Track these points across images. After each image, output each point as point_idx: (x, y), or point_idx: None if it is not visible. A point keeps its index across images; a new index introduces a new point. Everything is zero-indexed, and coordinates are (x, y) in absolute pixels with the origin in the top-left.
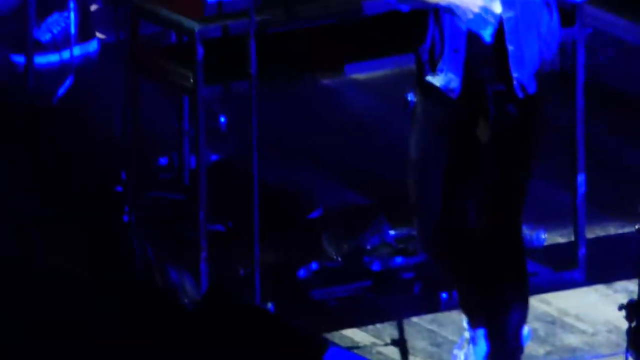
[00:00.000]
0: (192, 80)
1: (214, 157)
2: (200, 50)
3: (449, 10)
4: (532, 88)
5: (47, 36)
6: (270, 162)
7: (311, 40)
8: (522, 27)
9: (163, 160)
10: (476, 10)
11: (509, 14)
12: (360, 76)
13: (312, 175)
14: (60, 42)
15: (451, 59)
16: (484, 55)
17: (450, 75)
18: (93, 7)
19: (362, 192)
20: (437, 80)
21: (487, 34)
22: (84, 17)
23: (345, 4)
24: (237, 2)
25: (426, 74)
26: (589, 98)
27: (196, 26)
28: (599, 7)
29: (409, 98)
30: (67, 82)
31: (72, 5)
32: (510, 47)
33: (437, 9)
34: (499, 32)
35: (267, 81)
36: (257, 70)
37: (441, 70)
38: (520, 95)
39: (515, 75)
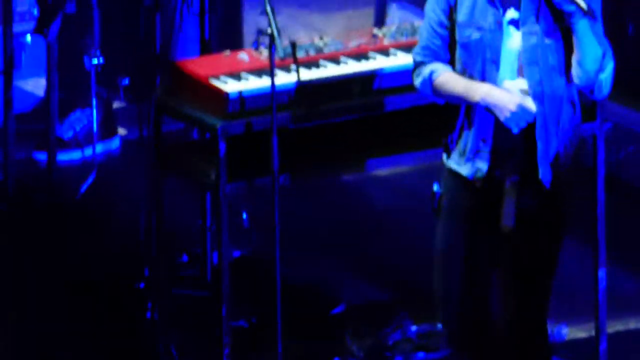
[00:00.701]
0: (214, 177)
1: (236, 253)
2: (222, 147)
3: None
4: (555, 181)
5: (69, 133)
6: (292, 258)
7: (333, 136)
8: (550, 122)
9: (185, 257)
10: (513, 108)
11: (539, 110)
12: (381, 172)
13: (335, 271)
14: (83, 139)
15: (476, 149)
16: (511, 147)
17: (477, 165)
18: (115, 104)
19: (384, 288)
20: (464, 169)
21: (513, 125)
22: (106, 114)
23: (366, 100)
24: (260, 99)
25: (453, 163)
26: (609, 192)
27: (218, 123)
28: (619, 102)
29: (435, 189)
30: (90, 179)
31: (94, 102)
32: (538, 142)
33: None
34: (528, 125)
35: (290, 177)
36: (280, 167)
37: (468, 160)
38: (545, 187)
39: (541, 168)
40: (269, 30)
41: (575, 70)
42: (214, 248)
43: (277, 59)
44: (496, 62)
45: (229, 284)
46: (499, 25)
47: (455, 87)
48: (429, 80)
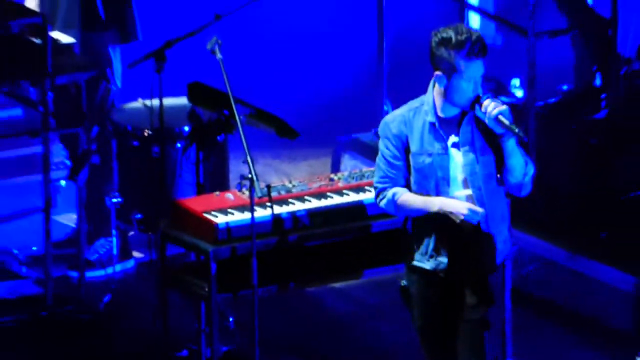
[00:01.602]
0: (207, 290)
1: (224, 349)
2: (213, 267)
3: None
4: (499, 265)
5: (94, 256)
6: (269, 354)
7: (302, 257)
8: (492, 219)
9: (186, 352)
10: (465, 212)
11: (484, 210)
12: (338, 284)
13: None
14: (105, 261)
15: (437, 248)
16: (464, 243)
17: (439, 259)
18: (130, 234)
19: None
20: (427, 265)
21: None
22: (123, 241)
23: (326, 229)
24: (243, 229)
25: (417, 262)
26: (514, 303)
27: (210, 248)
28: (523, 231)
29: (403, 283)
30: (109, 294)
31: (114, 232)
32: (485, 234)
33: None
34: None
35: (267, 290)
36: (259, 281)
37: (431, 257)
38: (492, 268)
39: (490, 256)
40: (249, 176)
41: (506, 176)
42: (207, 345)
43: (255, 198)
44: (446, 179)
45: None
46: (444, 149)
47: (415, 203)
48: (393, 201)
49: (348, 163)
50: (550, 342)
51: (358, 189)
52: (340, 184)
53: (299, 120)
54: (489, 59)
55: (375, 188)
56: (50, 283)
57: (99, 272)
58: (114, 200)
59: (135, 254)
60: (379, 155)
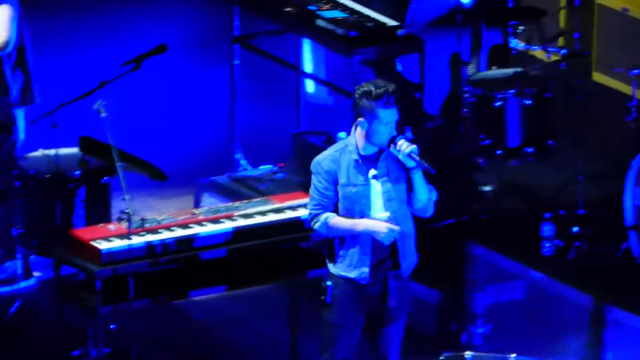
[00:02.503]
0: (94, 303)
1: (107, 350)
2: (98, 284)
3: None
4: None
5: (3, 276)
6: (143, 355)
7: (169, 276)
8: (405, 237)
9: (77, 352)
10: (385, 231)
11: (398, 229)
12: (200, 298)
13: None
14: (12, 279)
15: (361, 260)
16: (383, 257)
17: (362, 270)
18: (32, 258)
19: None
20: (352, 274)
21: (386, 240)
22: (26, 263)
23: (189, 254)
24: (122, 253)
25: (342, 271)
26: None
27: (96, 269)
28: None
29: (328, 284)
30: (16, 305)
31: (19, 256)
32: (400, 249)
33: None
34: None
35: (142, 302)
36: (135, 296)
37: (355, 267)
38: (405, 275)
39: (402, 266)
40: (127, 210)
41: (414, 201)
42: (94, 347)
43: (132, 229)
44: (368, 204)
45: None
46: (366, 180)
47: (345, 225)
48: (326, 224)
49: (207, 200)
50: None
51: (215, 220)
52: (201, 217)
53: (168, 166)
54: (321, 116)
55: (309, 214)
56: None
57: (7, 288)
58: (19, 230)
59: (36, 273)
60: (312, 187)
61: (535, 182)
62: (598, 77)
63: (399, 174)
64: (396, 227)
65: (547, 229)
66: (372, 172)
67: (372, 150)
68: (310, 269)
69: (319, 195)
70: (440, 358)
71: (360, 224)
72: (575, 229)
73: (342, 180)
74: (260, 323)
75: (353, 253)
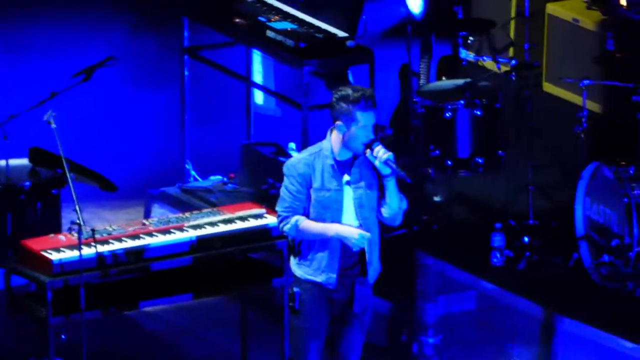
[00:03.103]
0: (45, 313)
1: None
2: (49, 295)
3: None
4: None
5: None
6: None
7: (120, 288)
8: (373, 243)
9: (32, 358)
10: (356, 236)
11: (369, 235)
12: (151, 309)
13: None
14: None
15: (329, 265)
16: (351, 263)
17: (329, 274)
18: None
19: None
20: (319, 278)
21: (356, 246)
22: None
23: (139, 264)
24: (73, 264)
25: (309, 275)
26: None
27: (47, 280)
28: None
29: (296, 290)
30: None
31: None
32: (367, 255)
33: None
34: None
35: (93, 313)
36: (86, 306)
37: (323, 272)
38: (370, 282)
39: (369, 272)
40: (78, 221)
41: (385, 209)
42: (45, 357)
43: (83, 239)
44: (340, 210)
45: None
46: (340, 186)
47: (315, 229)
48: (295, 226)
49: (157, 211)
50: None
51: (165, 231)
52: (151, 228)
53: (118, 177)
54: (270, 127)
55: (279, 216)
56: None
57: None
58: None
59: None
60: (284, 189)
61: (486, 192)
62: (548, 87)
63: (372, 180)
64: (367, 234)
65: (497, 239)
66: (346, 177)
67: (347, 155)
68: (265, 279)
69: (290, 198)
70: None
71: (332, 229)
72: (525, 239)
73: (316, 184)
74: (211, 333)
75: (322, 257)
